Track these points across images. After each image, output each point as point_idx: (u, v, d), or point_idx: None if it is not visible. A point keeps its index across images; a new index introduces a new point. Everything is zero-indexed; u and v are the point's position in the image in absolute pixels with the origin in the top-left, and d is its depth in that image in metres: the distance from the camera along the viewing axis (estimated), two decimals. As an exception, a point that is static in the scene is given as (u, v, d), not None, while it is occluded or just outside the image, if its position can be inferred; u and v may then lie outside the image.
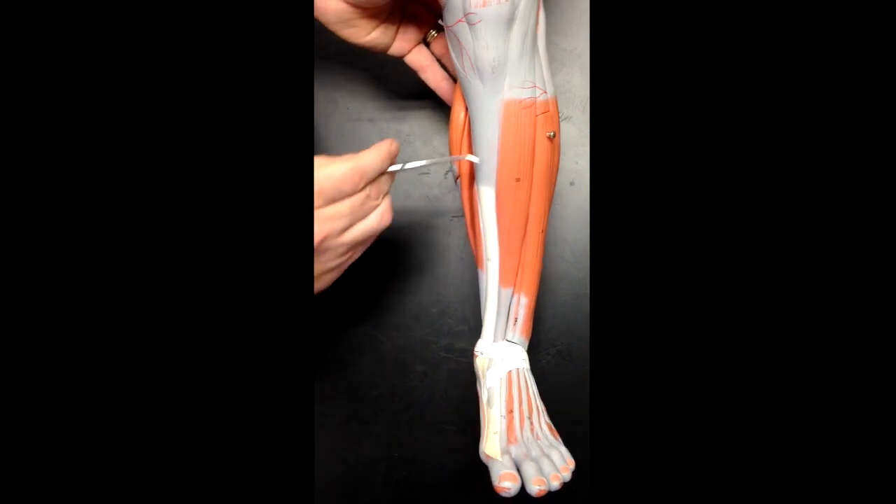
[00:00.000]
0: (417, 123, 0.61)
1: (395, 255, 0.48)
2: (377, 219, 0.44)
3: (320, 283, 0.44)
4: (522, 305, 0.51)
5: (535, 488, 0.44)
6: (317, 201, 0.39)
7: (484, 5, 0.41)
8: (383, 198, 0.44)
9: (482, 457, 0.48)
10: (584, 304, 0.59)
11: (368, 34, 0.48)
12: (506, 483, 0.44)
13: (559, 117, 0.49)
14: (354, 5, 0.45)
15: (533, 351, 0.55)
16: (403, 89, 0.61)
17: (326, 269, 0.43)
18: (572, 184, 0.60)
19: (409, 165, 0.46)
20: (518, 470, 0.46)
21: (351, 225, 0.42)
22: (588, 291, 0.59)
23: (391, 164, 0.44)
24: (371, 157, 0.42)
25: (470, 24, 0.42)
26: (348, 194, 0.41)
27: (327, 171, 0.40)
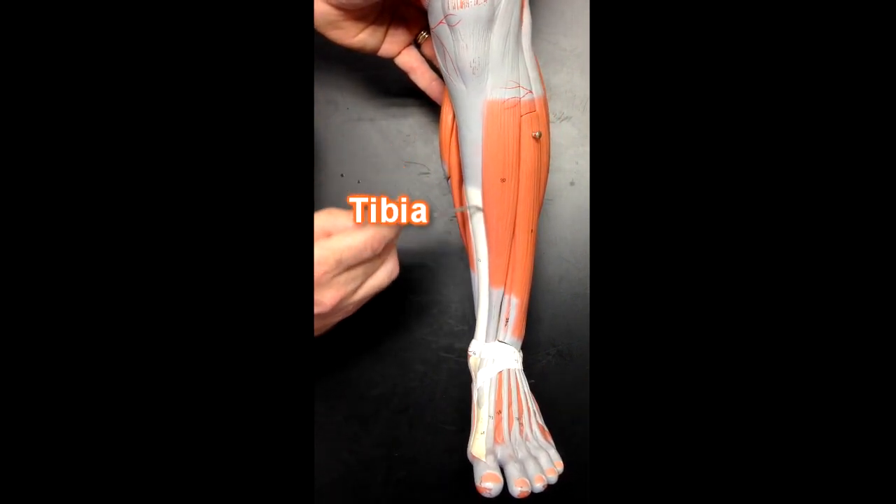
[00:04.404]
0: (418, 122, 0.61)
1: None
2: (386, 274, 0.44)
3: (323, 330, 0.44)
4: (514, 306, 0.50)
5: (517, 489, 0.44)
6: (336, 270, 0.39)
7: (462, 6, 0.41)
8: (390, 253, 0.44)
9: (469, 457, 0.48)
10: (584, 304, 0.59)
11: (355, 36, 0.48)
12: (487, 483, 0.44)
13: (548, 117, 0.49)
14: (338, 7, 0.45)
15: (533, 351, 0.55)
16: (404, 88, 0.60)
17: (333, 322, 0.44)
18: (572, 184, 0.59)
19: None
20: (503, 470, 0.46)
21: (363, 283, 0.42)
22: (588, 291, 0.59)
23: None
24: (391, 226, 0.42)
25: (450, 25, 0.42)
26: (367, 261, 0.41)
27: (349, 242, 0.39)
